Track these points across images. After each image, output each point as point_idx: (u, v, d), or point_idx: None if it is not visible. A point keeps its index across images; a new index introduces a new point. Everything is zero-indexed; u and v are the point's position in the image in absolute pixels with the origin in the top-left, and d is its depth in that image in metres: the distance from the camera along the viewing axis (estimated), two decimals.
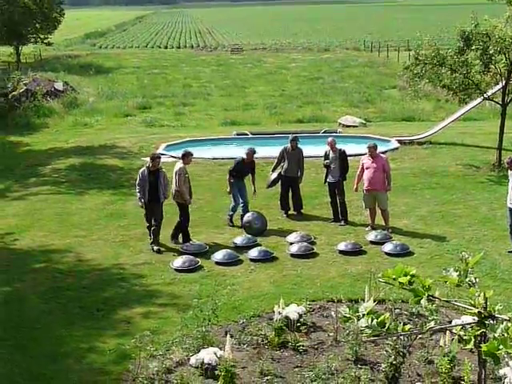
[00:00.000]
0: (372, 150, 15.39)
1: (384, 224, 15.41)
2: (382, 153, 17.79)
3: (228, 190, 16.20)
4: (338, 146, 16.30)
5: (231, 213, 16.13)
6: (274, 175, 16.86)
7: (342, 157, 15.98)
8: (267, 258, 13.78)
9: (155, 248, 14.41)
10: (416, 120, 29.59)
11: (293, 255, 13.91)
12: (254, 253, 13.90)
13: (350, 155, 16.95)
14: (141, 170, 14.59)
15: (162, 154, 22.58)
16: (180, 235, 15.01)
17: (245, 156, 16.22)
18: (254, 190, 16.32)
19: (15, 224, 16.57)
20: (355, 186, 15.75)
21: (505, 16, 20.05)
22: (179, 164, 14.90)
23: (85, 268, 13.70)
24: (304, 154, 17.30)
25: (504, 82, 20.35)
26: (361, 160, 15.73)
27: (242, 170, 16.17)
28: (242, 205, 15.99)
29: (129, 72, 49.80)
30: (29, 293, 12.56)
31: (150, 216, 14.55)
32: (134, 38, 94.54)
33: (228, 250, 14.03)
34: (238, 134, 26.04)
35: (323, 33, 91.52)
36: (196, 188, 17.33)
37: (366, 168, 15.31)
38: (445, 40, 54.47)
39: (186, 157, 14.94)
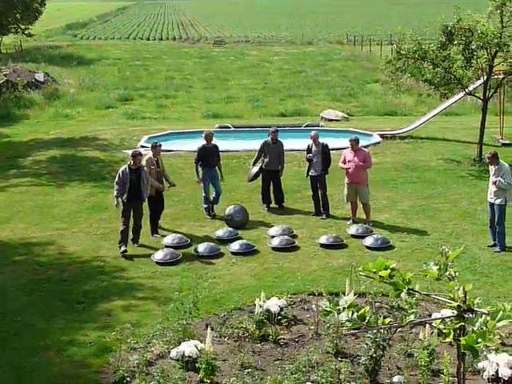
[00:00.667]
0: (353, 143, 15.42)
1: (365, 218, 15.46)
2: (365, 147, 17.84)
3: (196, 179, 16.20)
4: (321, 140, 16.32)
5: (205, 205, 16.14)
6: (256, 169, 16.86)
7: (325, 151, 15.99)
8: (249, 251, 13.79)
9: (135, 245, 14.36)
10: (398, 114, 29.70)
11: (274, 248, 13.93)
12: (235, 246, 13.90)
13: (333, 149, 16.97)
14: (121, 169, 14.22)
15: (144, 147, 22.56)
16: (159, 229, 15.07)
17: (204, 141, 16.22)
18: (221, 176, 16.37)
19: None
20: (345, 167, 15.43)
21: (487, 11, 20.14)
22: (147, 155, 14.93)
23: (66, 261, 13.65)
24: (286, 148, 17.32)
25: (485, 77, 20.46)
26: (343, 153, 15.76)
27: (207, 155, 16.10)
28: (214, 194, 16.05)
29: (110, 63, 49.52)
30: (9, 285, 12.49)
31: (129, 214, 14.20)
32: (115, 30, 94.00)
33: (209, 243, 14.02)
34: (220, 127, 26.01)
35: (306, 26, 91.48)
36: (178, 181, 17.29)
37: (348, 161, 15.34)
38: (427, 35, 54.59)
39: (154, 148, 14.99)
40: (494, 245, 13.79)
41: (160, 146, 15.27)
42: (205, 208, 16.14)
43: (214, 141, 16.57)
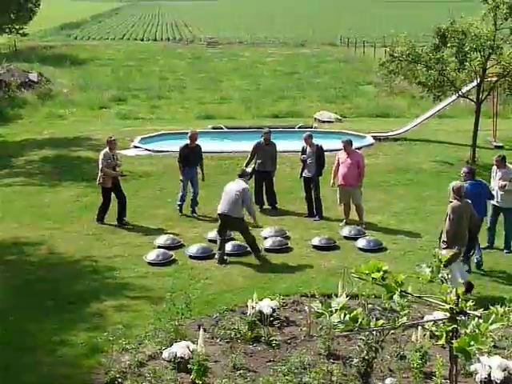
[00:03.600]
0: (346, 145, 15.43)
1: (358, 219, 15.46)
2: (358, 149, 17.87)
3: (181, 177, 16.29)
4: (315, 142, 16.32)
5: (179, 202, 16.25)
6: (248, 170, 16.81)
7: (319, 152, 16.00)
8: (241, 252, 13.77)
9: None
10: (391, 116, 29.70)
11: (267, 249, 13.91)
12: (228, 247, 13.88)
13: (327, 150, 16.98)
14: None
15: (137, 147, 22.54)
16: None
17: (188, 140, 16.24)
18: (203, 177, 16.48)
19: None
20: (332, 181, 15.76)
21: (481, 14, 20.18)
22: (104, 149, 15.68)
23: (57, 261, 13.61)
24: (279, 149, 17.30)
25: (479, 80, 20.50)
26: (337, 155, 15.77)
27: (189, 155, 16.16)
28: (192, 195, 16.13)
29: (104, 64, 49.43)
30: (0, 285, 12.44)
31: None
32: (109, 30, 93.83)
33: (202, 244, 14.00)
34: (213, 128, 26.00)
35: (299, 28, 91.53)
36: (169, 182, 17.32)
37: (341, 163, 15.35)
38: (420, 37, 54.72)
39: (110, 142, 15.65)
40: (488, 247, 13.78)
41: (115, 140, 15.93)
42: (178, 205, 16.26)
43: (208, 142, 16.60)
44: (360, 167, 15.35)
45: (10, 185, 18.98)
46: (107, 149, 15.57)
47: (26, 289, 12.26)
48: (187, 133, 16.81)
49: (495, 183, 13.66)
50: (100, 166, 15.43)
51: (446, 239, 11.46)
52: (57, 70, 42.74)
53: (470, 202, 11.72)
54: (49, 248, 14.29)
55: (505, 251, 13.82)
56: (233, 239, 14.30)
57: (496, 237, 13.97)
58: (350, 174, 15.20)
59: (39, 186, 18.89)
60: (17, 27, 57.34)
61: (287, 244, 14.19)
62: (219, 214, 13.61)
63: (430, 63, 20.07)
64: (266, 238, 14.37)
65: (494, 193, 13.63)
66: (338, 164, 15.43)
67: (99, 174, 15.51)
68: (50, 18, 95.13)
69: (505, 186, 13.41)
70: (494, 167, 13.86)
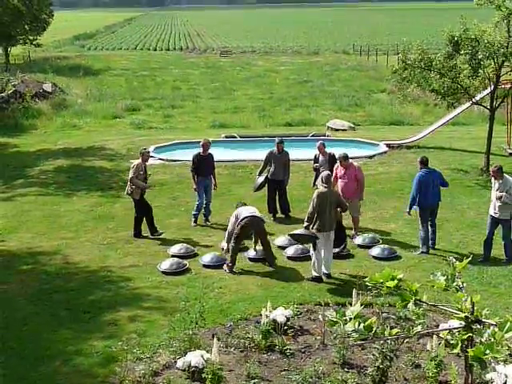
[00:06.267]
0: (341, 160, 15.22)
1: (353, 228, 15.30)
2: (371, 157, 17.83)
3: (194, 187, 16.25)
4: (328, 150, 16.29)
5: (195, 212, 16.20)
6: (261, 179, 16.83)
7: (332, 160, 15.97)
8: (264, 258, 13.83)
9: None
10: (404, 124, 29.68)
11: (289, 258, 13.92)
12: (252, 253, 14.04)
13: None
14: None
15: (151, 157, 22.59)
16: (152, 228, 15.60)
17: (201, 149, 16.25)
18: (215, 185, 16.49)
19: (2, 226, 16.49)
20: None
21: (494, 21, 20.13)
22: (137, 161, 15.71)
23: (72, 270, 13.65)
24: (292, 158, 17.30)
25: (492, 87, 20.44)
26: (334, 168, 15.62)
27: (202, 164, 16.14)
28: (205, 204, 16.11)
29: (118, 74, 49.71)
30: (16, 294, 12.49)
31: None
32: (123, 40, 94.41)
33: (216, 253, 14.00)
34: (226, 137, 26.05)
35: (312, 36, 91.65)
36: (183, 191, 17.33)
37: (339, 177, 15.21)
38: (433, 44, 54.67)
39: (143, 155, 15.70)
40: (483, 260, 13.60)
41: (148, 153, 16.12)
42: (194, 215, 16.23)
43: (221, 151, 16.63)
44: (359, 180, 15.21)
45: (24, 195, 19.08)
46: (140, 160, 15.60)
47: (41, 298, 12.30)
48: (200, 142, 16.84)
49: (494, 194, 13.54)
50: (130, 176, 15.40)
51: (306, 220, 12.83)
52: (71, 81, 43.03)
53: (337, 190, 13.68)
54: (63, 258, 14.34)
55: (505, 258, 13.68)
56: (247, 248, 14.30)
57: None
58: (347, 188, 15.01)
59: (54, 196, 18.98)
60: (31, 38, 57.76)
61: (308, 252, 14.13)
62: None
63: (443, 70, 20.03)
64: (281, 247, 14.36)
65: (491, 204, 13.62)
66: (336, 178, 15.28)
67: (128, 184, 15.52)
68: (64, 28, 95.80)
69: (501, 197, 13.26)
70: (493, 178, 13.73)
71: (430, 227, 14.42)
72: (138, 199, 15.44)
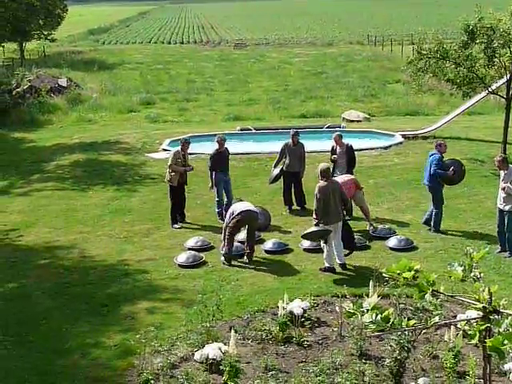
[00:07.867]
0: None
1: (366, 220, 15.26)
2: (387, 147, 17.74)
3: (210, 185, 16.12)
4: (345, 141, 16.26)
5: (218, 210, 16.06)
6: (276, 171, 16.80)
7: (350, 152, 15.96)
8: (281, 250, 13.87)
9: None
10: (420, 114, 29.56)
11: (305, 250, 13.93)
12: (268, 244, 14.08)
13: (357, 150, 16.85)
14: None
15: (166, 150, 22.63)
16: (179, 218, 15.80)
17: (217, 146, 16.23)
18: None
19: (20, 220, 16.60)
20: None
21: (509, 9, 19.98)
22: (176, 148, 16.27)
23: (89, 264, 13.72)
24: (308, 149, 17.27)
25: (508, 76, 20.28)
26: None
27: (220, 161, 16.07)
28: (226, 202, 15.93)
29: (132, 68, 49.81)
30: (34, 289, 12.59)
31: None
32: (137, 34, 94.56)
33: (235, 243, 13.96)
34: (241, 130, 26.05)
35: (326, 27, 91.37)
36: (198, 184, 17.33)
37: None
38: (448, 34, 54.37)
39: (183, 144, 16.03)
40: (502, 251, 13.45)
41: (188, 141, 16.27)
42: (218, 212, 16.08)
43: (236, 144, 16.60)
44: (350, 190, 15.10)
45: (41, 190, 19.19)
46: (179, 148, 16.06)
47: (59, 292, 12.38)
48: (215, 135, 16.81)
49: (500, 185, 13.28)
50: (168, 163, 15.79)
51: (315, 216, 12.86)
52: (86, 75, 43.15)
53: (338, 182, 13.49)
54: (81, 252, 14.42)
55: (504, 255, 13.39)
56: (263, 240, 14.31)
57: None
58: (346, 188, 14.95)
59: (70, 191, 19.07)
60: (45, 33, 58.05)
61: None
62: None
63: (458, 60, 19.90)
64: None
65: (498, 195, 13.38)
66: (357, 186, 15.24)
67: (167, 171, 15.89)
68: (78, 23, 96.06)
69: (504, 188, 13.04)
70: None
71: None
72: (176, 186, 15.71)
